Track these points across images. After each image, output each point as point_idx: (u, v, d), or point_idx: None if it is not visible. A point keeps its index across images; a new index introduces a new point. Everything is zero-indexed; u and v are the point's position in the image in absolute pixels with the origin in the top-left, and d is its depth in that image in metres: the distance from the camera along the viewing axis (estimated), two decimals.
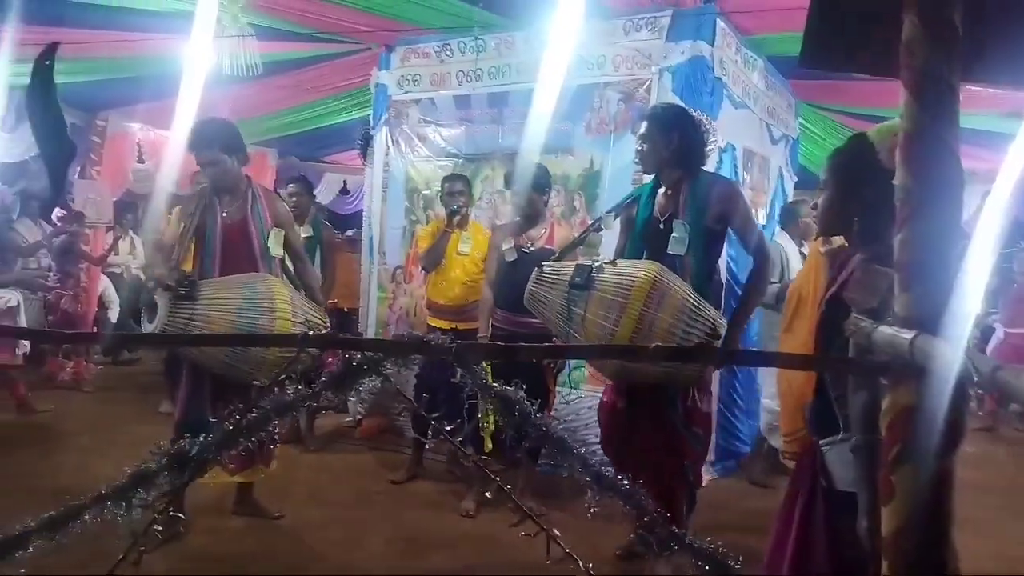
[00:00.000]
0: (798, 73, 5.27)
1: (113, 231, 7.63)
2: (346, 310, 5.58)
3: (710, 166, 3.99)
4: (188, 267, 3.51)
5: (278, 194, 4.14)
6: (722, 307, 3.17)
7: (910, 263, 1.20)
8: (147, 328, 3.03)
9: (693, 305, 2.67)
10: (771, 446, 4.39)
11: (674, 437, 2.88)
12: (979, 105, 4.76)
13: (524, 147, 4.22)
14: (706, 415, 3.00)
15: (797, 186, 6.13)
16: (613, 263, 2.77)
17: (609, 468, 1.38)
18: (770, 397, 4.38)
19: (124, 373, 7.29)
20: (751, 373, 4.96)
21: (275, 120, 7.33)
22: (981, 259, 1.21)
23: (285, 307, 3.12)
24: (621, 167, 4.46)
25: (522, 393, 1.32)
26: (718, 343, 2.68)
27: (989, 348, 6.46)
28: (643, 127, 3.00)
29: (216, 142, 3.27)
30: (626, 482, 1.29)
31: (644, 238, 3.01)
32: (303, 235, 4.73)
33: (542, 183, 3.82)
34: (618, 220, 3.18)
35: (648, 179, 3.17)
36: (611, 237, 3.41)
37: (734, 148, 4.70)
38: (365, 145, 5.66)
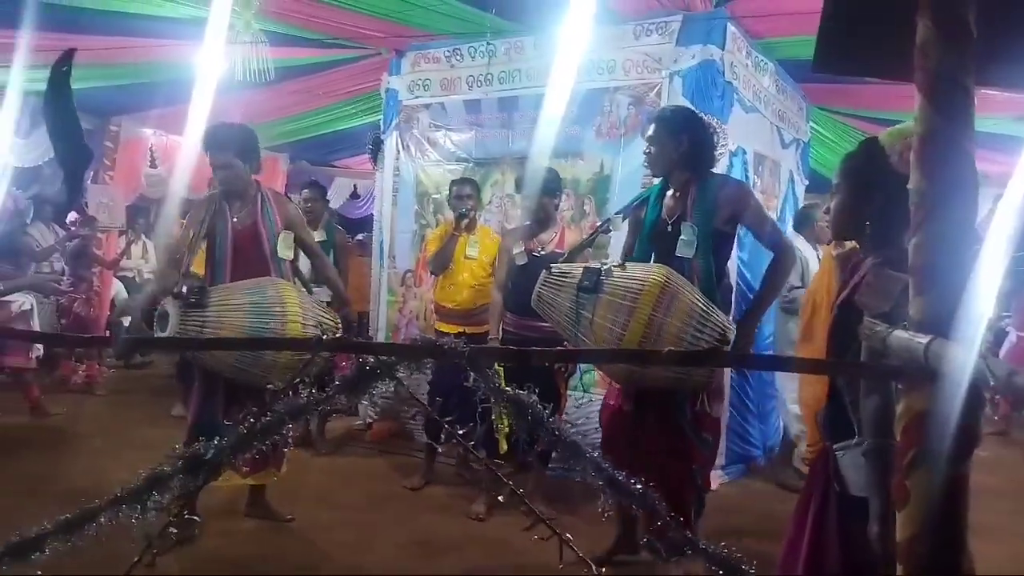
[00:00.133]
0: (809, 77, 5.25)
1: (126, 235, 7.68)
2: (356, 314, 5.59)
3: (720, 170, 3.99)
4: (200, 271, 3.53)
5: (288, 197, 4.16)
6: (732, 311, 3.15)
7: (925, 266, 1.19)
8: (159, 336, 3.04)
9: (702, 310, 2.65)
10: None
11: (682, 441, 2.86)
12: (992, 109, 4.74)
13: (534, 151, 4.22)
14: (715, 419, 2.98)
15: (808, 190, 6.11)
16: (622, 266, 2.75)
17: (621, 472, 1.37)
18: (795, 403, 4.37)
19: (136, 376, 7.34)
20: (764, 377, 4.94)
21: (286, 125, 7.36)
22: (994, 262, 1.20)
23: (296, 310, 3.13)
24: (631, 171, 4.46)
25: (535, 397, 1.32)
26: (727, 348, 2.66)
27: (1002, 351, 6.41)
28: (651, 129, 2.98)
29: (232, 146, 3.29)
30: (639, 486, 1.29)
31: (652, 240, 2.99)
32: (316, 240, 4.76)
33: (552, 187, 3.83)
34: (626, 221, 3.18)
35: (657, 181, 3.16)
36: (620, 240, 3.41)
37: (745, 152, 4.69)
38: (376, 150, 5.68)
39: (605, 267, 2.73)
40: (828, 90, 5.65)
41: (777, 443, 5.06)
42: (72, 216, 6.70)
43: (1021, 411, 6.56)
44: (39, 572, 1.32)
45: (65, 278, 6.20)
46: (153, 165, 7.64)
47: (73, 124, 2.03)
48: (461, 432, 1.47)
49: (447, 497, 4.12)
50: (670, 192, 3.00)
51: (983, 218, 1.43)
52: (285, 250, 3.41)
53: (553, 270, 2.86)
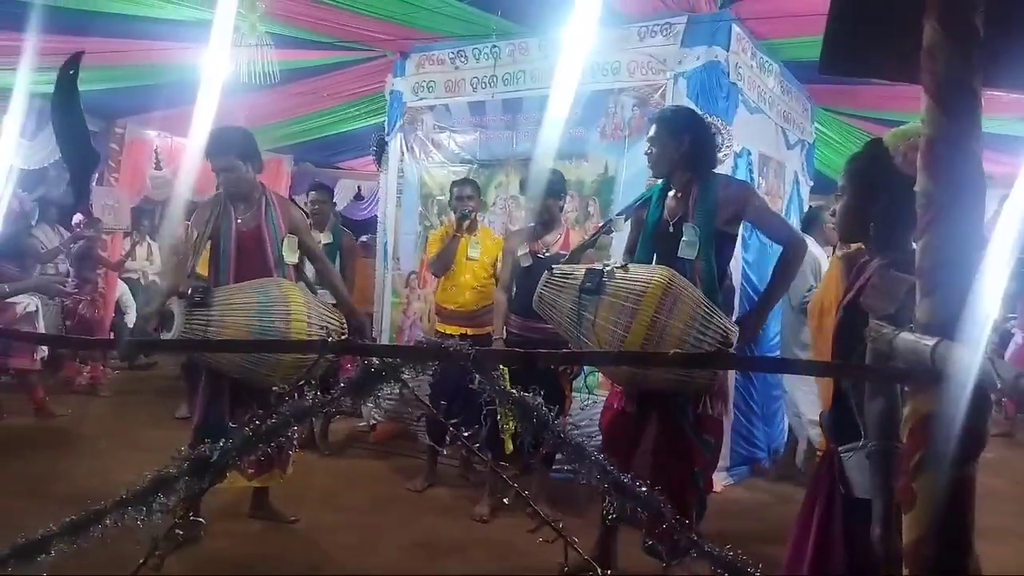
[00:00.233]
0: (814, 78, 5.24)
1: (130, 237, 7.71)
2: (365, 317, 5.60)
3: (725, 171, 3.99)
4: (204, 272, 3.54)
5: (293, 200, 4.17)
6: (734, 314, 3.14)
7: (931, 268, 1.19)
8: (163, 336, 3.05)
9: (705, 312, 2.63)
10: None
11: (684, 443, 2.85)
12: (997, 109, 4.72)
13: (538, 153, 4.23)
14: (717, 421, 2.95)
15: (813, 191, 6.10)
16: (624, 268, 2.73)
17: (627, 475, 1.37)
18: (812, 404, 4.30)
19: (141, 377, 7.36)
20: (768, 379, 4.93)
21: (290, 127, 7.38)
22: (1000, 264, 1.20)
23: (300, 310, 3.14)
24: (635, 172, 4.45)
25: (540, 399, 1.32)
26: (730, 351, 2.65)
27: (1008, 353, 6.40)
28: (652, 130, 2.96)
29: (232, 149, 3.30)
30: (644, 489, 1.29)
31: (654, 241, 2.98)
32: (323, 241, 4.77)
33: (557, 189, 3.82)
34: (628, 222, 3.17)
35: (659, 182, 3.15)
36: (622, 240, 3.40)
37: (749, 153, 4.69)
38: (380, 151, 5.69)
39: (607, 268, 2.72)
40: (833, 91, 5.64)
41: (782, 445, 5.05)
42: (77, 218, 6.71)
43: None
44: (45, 574, 1.32)
45: (70, 280, 6.22)
46: (158, 167, 7.66)
47: (80, 127, 2.03)
48: (466, 434, 1.47)
49: (451, 499, 4.12)
50: (671, 193, 2.99)
51: (989, 219, 1.43)
52: (290, 254, 3.42)
53: (555, 271, 2.84)
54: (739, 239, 4.35)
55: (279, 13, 4.44)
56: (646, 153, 3.01)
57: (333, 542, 3.46)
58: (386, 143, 5.61)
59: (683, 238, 2.84)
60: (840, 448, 1.82)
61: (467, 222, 4.23)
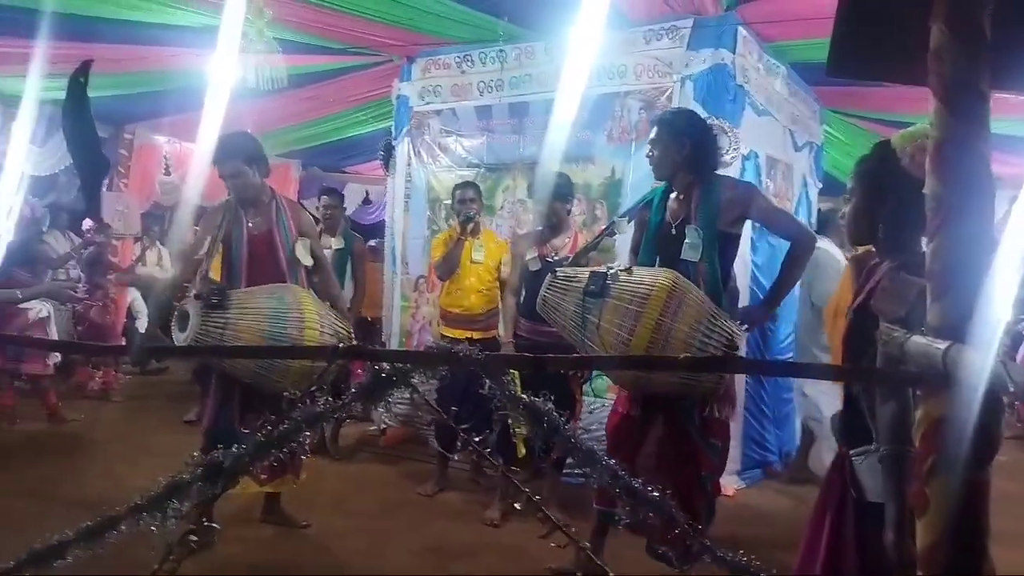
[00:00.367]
0: (822, 79, 5.23)
1: (141, 242, 7.75)
2: (369, 319, 5.61)
3: (733, 174, 3.98)
4: (216, 276, 3.56)
5: (302, 205, 4.19)
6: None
7: (942, 271, 1.19)
8: (179, 337, 3.07)
9: (710, 315, 2.62)
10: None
11: (690, 447, 2.82)
12: (1005, 111, 4.70)
13: (545, 156, 4.23)
14: (724, 424, 2.92)
15: (822, 193, 6.08)
16: (628, 270, 2.72)
17: (638, 479, 1.37)
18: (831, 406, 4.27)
19: (152, 382, 7.39)
20: (780, 382, 4.92)
21: (298, 132, 7.41)
22: (1011, 266, 1.20)
23: (313, 316, 3.16)
24: (643, 175, 4.43)
25: (550, 404, 1.32)
26: (735, 353, 2.63)
27: (1020, 356, 6.35)
28: (653, 132, 2.96)
29: (237, 154, 3.32)
30: (656, 493, 1.29)
31: (657, 244, 2.96)
32: (335, 247, 4.78)
33: (564, 192, 3.82)
34: (632, 224, 3.16)
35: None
36: (627, 243, 3.39)
37: (757, 155, 4.68)
38: (387, 156, 5.71)
39: (611, 271, 2.70)
40: (841, 93, 5.62)
41: (794, 448, 5.03)
42: (87, 223, 6.76)
43: None
44: None
45: (81, 285, 6.25)
46: (167, 172, 7.71)
47: (91, 134, 2.06)
48: (477, 440, 1.48)
49: (461, 503, 4.12)
50: (674, 195, 2.97)
51: (998, 221, 1.42)
52: (305, 256, 3.44)
53: (558, 274, 2.84)
54: (749, 241, 4.38)
55: (286, 19, 4.46)
56: (647, 156, 3.00)
57: (344, 547, 3.47)
58: (393, 147, 5.63)
59: (686, 240, 2.83)
60: (851, 452, 1.82)
61: (471, 225, 4.24)
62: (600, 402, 4.46)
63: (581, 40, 3.35)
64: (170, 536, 1.36)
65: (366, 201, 10.62)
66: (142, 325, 7.53)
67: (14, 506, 3.58)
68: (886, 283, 1.73)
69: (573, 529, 1.44)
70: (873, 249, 2.00)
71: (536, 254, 3.77)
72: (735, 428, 4.22)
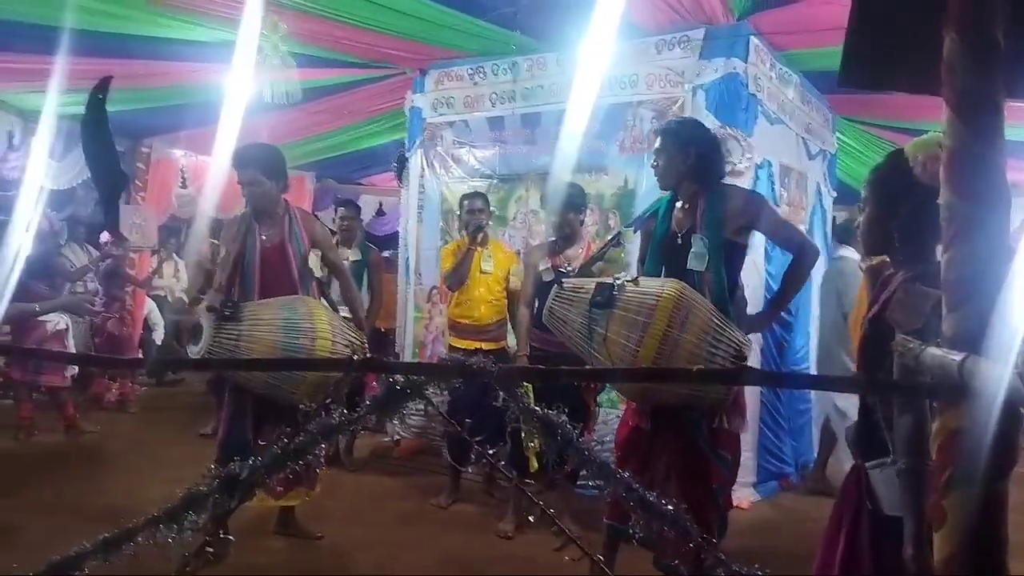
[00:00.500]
0: (834, 88, 5.21)
1: (158, 255, 7.82)
2: (383, 330, 5.63)
3: (746, 183, 3.97)
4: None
5: (316, 216, 4.22)
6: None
7: (957, 282, 1.18)
8: (192, 350, 3.10)
9: (717, 325, 2.61)
10: None
11: (699, 460, 2.79)
12: (1019, 118, 4.65)
13: (558, 167, 4.24)
14: (734, 436, 2.88)
15: (836, 201, 6.05)
16: (635, 281, 2.71)
17: (652, 492, 1.37)
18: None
19: (168, 394, 7.44)
20: (795, 393, 4.88)
21: (312, 144, 7.46)
22: None
23: (325, 328, 3.17)
24: (655, 185, 4.34)
25: (564, 417, 1.32)
26: (743, 364, 2.61)
27: None
28: (658, 142, 2.96)
29: (256, 163, 3.35)
30: (670, 506, 1.28)
31: (663, 254, 2.95)
32: (351, 258, 4.81)
33: (577, 203, 3.83)
34: (638, 234, 3.16)
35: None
36: (635, 253, 3.39)
37: (770, 164, 4.66)
38: (401, 167, 5.74)
39: (618, 282, 2.69)
40: (854, 101, 5.60)
41: (811, 459, 4.98)
42: (105, 236, 6.83)
43: None
44: None
45: (98, 298, 6.32)
46: (184, 185, 7.78)
47: (109, 150, 2.09)
48: (491, 452, 1.48)
49: (475, 515, 4.11)
50: (679, 204, 2.96)
51: (1015, 230, 1.41)
52: (317, 268, 3.46)
53: (565, 285, 2.83)
54: (762, 251, 4.36)
55: (301, 33, 4.51)
56: (653, 165, 3.00)
57: (358, 558, 3.47)
58: (407, 159, 5.66)
59: (692, 250, 2.81)
60: (867, 463, 1.80)
61: (480, 235, 4.25)
62: (615, 413, 4.44)
63: (593, 51, 3.37)
64: (187, 548, 1.36)
65: (379, 212, 10.65)
66: (159, 337, 7.60)
67: (32, 518, 3.61)
68: (901, 294, 1.72)
69: (587, 542, 1.43)
70: (888, 259, 1.99)
71: (549, 265, 3.77)
72: (750, 439, 4.20)
